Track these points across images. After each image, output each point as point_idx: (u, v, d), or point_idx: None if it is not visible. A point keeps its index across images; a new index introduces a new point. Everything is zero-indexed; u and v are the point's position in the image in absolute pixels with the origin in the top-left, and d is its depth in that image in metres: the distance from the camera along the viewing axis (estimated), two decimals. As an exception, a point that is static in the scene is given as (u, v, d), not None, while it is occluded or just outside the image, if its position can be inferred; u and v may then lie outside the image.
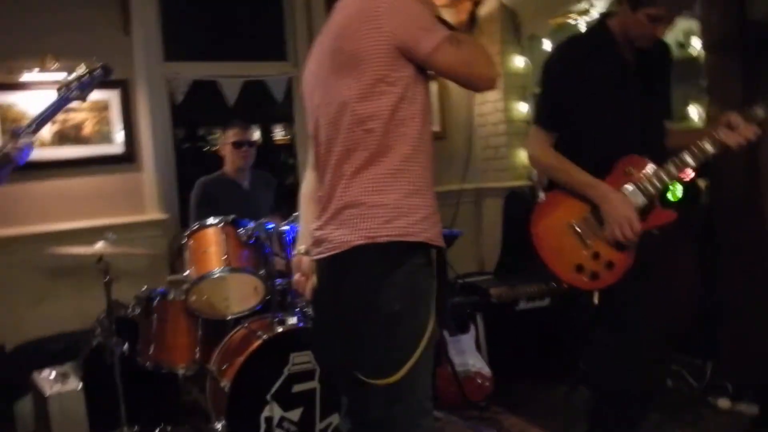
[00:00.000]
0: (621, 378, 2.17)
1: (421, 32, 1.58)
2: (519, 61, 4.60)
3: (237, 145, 3.46)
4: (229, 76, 4.28)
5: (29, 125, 2.18)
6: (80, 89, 2.27)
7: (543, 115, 2.25)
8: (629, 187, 2.11)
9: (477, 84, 1.69)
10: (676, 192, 3.32)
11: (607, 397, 2.25)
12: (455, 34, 1.61)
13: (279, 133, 5.69)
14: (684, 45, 3.42)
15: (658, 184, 2.10)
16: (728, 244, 3.18)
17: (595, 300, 2.25)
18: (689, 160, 2.07)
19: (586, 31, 2.39)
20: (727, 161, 3.16)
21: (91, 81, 2.29)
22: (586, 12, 4.03)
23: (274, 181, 3.74)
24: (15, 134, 2.16)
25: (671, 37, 3.55)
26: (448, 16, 1.75)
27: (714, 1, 3.10)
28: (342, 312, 1.65)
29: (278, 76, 4.43)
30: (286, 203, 3.45)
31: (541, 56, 4.18)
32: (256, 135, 3.52)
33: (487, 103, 4.78)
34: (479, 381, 3.35)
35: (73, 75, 2.28)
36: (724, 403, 3.01)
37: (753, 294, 3.09)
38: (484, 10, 4.65)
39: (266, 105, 4.91)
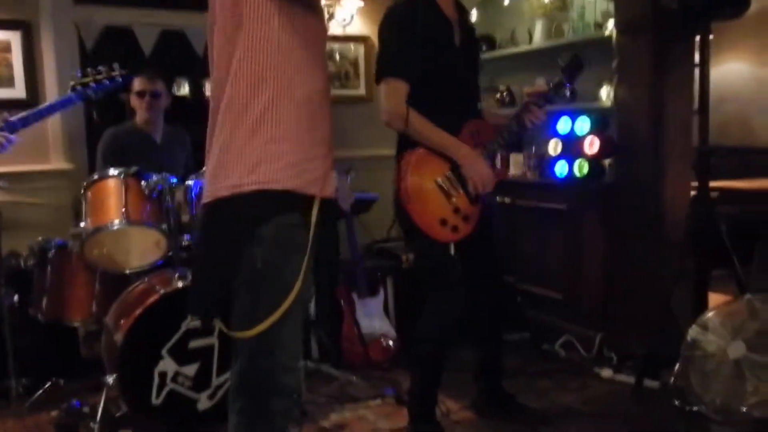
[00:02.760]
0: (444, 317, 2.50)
1: None
2: None
3: (140, 94, 3.34)
4: (145, 23, 4.12)
5: (22, 119, 2.21)
6: (95, 91, 2.33)
7: (391, 66, 2.37)
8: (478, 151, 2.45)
9: None
10: (583, 168, 3.43)
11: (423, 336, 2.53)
12: None
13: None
14: (601, 26, 3.49)
15: (497, 147, 2.51)
16: (626, 222, 3.31)
17: (452, 251, 2.44)
18: (514, 127, 2.51)
19: None
20: (632, 140, 3.28)
21: (108, 86, 2.35)
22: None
23: (189, 138, 3.63)
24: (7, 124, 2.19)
25: (588, 16, 3.64)
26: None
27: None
28: (210, 263, 1.65)
29: (199, 28, 4.28)
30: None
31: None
32: (161, 85, 3.38)
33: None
34: (384, 343, 3.40)
35: (92, 77, 2.34)
36: (606, 372, 3.16)
37: (643, 271, 3.24)
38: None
39: (191, 58, 4.75)
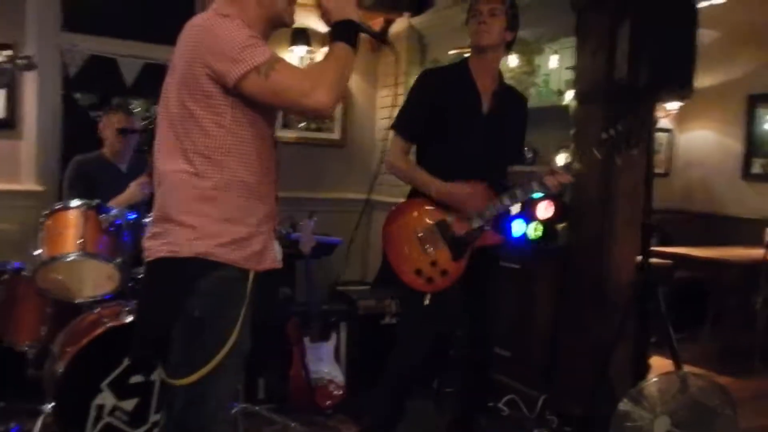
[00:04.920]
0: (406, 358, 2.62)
1: (229, 62, 1.58)
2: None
3: (122, 131, 3.40)
4: (129, 55, 4.23)
5: None
6: None
7: (399, 121, 2.61)
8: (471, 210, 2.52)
9: (296, 111, 1.74)
10: (537, 231, 3.53)
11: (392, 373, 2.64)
12: (270, 62, 1.59)
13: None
14: (562, 93, 3.63)
15: (493, 211, 2.54)
16: (575, 285, 3.40)
17: (426, 301, 2.53)
18: (519, 194, 2.55)
19: (451, 63, 2.78)
20: (583, 205, 3.40)
21: (11, 69, 2.30)
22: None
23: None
24: None
25: (552, 84, 3.79)
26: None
27: (585, 55, 3.32)
28: (150, 312, 1.74)
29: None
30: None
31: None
32: (137, 121, 3.47)
33: (389, 118, 4.89)
34: (331, 389, 3.44)
35: None
36: (544, 433, 3.23)
37: (586, 334, 3.32)
38: (395, 28, 4.78)
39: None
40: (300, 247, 3.57)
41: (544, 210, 3.48)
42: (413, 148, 2.70)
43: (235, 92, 1.62)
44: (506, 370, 3.67)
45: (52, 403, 2.57)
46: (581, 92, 3.37)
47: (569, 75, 3.67)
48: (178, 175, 1.67)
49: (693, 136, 6.08)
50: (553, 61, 3.82)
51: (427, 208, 2.56)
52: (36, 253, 2.74)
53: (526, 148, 4.27)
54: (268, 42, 1.73)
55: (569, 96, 3.49)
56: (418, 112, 2.59)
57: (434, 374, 3.51)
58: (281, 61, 1.63)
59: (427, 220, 2.54)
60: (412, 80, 4.66)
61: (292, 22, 1.80)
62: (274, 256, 1.82)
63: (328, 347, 3.59)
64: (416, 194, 2.62)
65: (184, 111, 1.65)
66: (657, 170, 5.27)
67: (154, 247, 1.70)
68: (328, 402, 3.40)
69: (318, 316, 3.59)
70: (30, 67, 2.33)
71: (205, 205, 1.66)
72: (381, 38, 1.87)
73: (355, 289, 4.15)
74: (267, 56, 1.60)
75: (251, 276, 1.73)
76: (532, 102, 3.84)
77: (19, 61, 2.32)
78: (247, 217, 1.72)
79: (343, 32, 1.70)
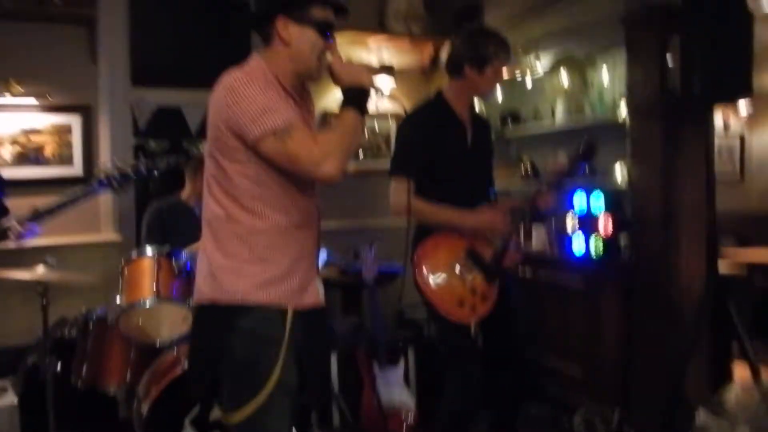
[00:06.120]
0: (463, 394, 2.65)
1: (249, 123, 1.70)
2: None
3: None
4: (192, 104, 4.47)
5: (48, 210, 2.41)
6: (119, 183, 2.51)
7: (399, 165, 2.65)
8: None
9: (307, 176, 1.78)
10: (598, 248, 3.51)
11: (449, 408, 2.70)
12: (287, 128, 1.70)
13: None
14: (617, 107, 3.60)
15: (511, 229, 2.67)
16: (642, 300, 3.35)
17: (471, 332, 2.58)
18: (526, 214, 2.71)
19: (428, 102, 2.81)
20: (645, 220, 3.36)
21: (131, 178, 2.55)
22: (531, 68, 4.23)
23: None
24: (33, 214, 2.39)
25: (607, 98, 3.77)
26: (412, 57, 1.89)
27: (637, 70, 3.30)
28: (200, 355, 1.88)
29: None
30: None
31: (484, 101, 4.40)
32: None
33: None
34: (402, 414, 3.50)
35: (118, 168, 2.56)
36: (621, 448, 3.18)
37: (659, 348, 3.26)
38: (444, 54, 4.85)
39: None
40: (363, 276, 3.67)
41: (604, 225, 3.47)
42: None
43: (252, 149, 1.74)
44: (578, 388, 3.65)
45: (141, 443, 2.74)
46: (635, 107, 3.35)
47: (622, 87, 3.64)
48: (215, 223, 1.81)
49: (766, 139, 5.88)
50: (606, 75, 3.80)
51: (451, 240, 2.62)
52: (117, 301, 2.93)
53: (525, 161, 4.39)
54: (298, 93, 1.87)
55: (624, 109, 3.47)
56: (413, 152, 2.64)
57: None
58: (298, 129, 1.73)
59: (456, 252, 2.60)
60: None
61: (320, 77, 1.90)
62: (316, 295, 1.92)
63: (397, 372, 3.65)
64: (425, 232, 2.65)
65: (215, 162, 1.80)
66: (731, 176, 5.19)
67: (198, 292, 1.85)
68: (402, 428, 3.45)
69: (385, 343, 3.66)
70: (150, 173, 2.74)
71: (239, 247, 1.78)
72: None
73: (418, 315, 4.20)
74: (285, 121, 1.71)
75: (290, 314, 1.82)
76: (588, 119, 3.86)
77: (140, 169, 2.62)
78: (281, 258, 1.82)
79: (354, 99, 1.80)
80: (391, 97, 4.80)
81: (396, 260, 4.18)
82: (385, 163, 5.09)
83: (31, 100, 3.89)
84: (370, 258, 3.69)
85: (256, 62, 1.86)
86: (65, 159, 4.04)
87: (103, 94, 4.11)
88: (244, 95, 1.72)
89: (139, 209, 4.23)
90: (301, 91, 1.93)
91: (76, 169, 4.07)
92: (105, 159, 4.10)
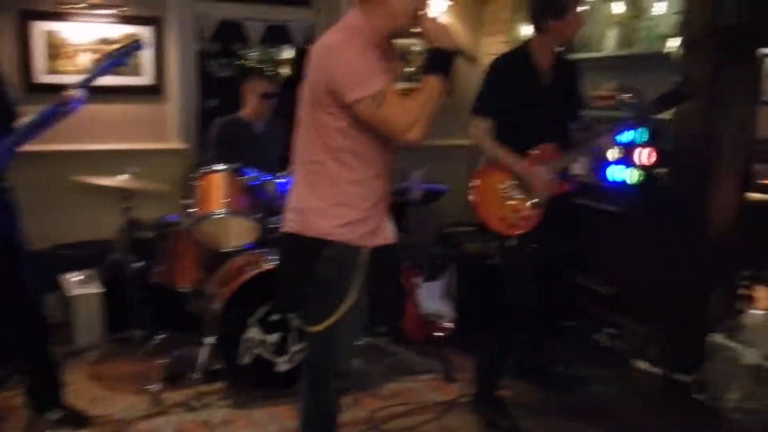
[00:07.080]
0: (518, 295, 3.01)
1: (345, 86, 1.88)
2: (526, 30, 4.82)
3: (266, 96, 3.78)
4: (254, 18, 4.62)
5: (80, 83, 2.66)
6: (120, 57, 2.75)
7: (481, 106, 2.95)
8: (542, 167, 2.94)
9: (394, 138, 1.98)
10: (637, 177, 3.67)
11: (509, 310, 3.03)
12: (383, 93, 1.87)
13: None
14: (669, 38, 3.63)
15: (564, 164, 3.02)
16: (675, 229, 3.54)
17: (513, 242, 2.96)
18: (578, 152, 3.11)
19: (512, 50, 3.11)
20: (686, 154, 3.50)
21: (128, 52, 2.76)
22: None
23: (287, 129, 4.07)
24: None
25: (660, 29, 3.80)
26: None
27: (692, 2, 3.35)
28: (288, 277, 2.20)
29: (300, 22, 4.74)
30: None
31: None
32: (277, 86, 3.86)
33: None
34: (442, 324, 3.83)
35: (115, 47, 2.78)
36: (643, 365, 3.51)
37: (687, 274, 3.48)
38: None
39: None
40: (410, 195, 3.92)
41: (647, 156, 3.61)
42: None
43: (347, 108, 1.93)
44: (609, 306, 3.91)
45: (212, 338, 3.12)
46: (686, 38, 3.41)
47: (676, 18, 3.67)
48: (308, 166, 2.06)
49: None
50: (660, 6, 3.81)
51: (500, 170, 2.95)
52: (190, 210, 3.23)
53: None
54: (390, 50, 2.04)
55: (673, 42, 3.52)
56: (495, 95, 2.93)
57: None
58: (390, 95, 1.90)
59: (504, 179, 2.95)
60: (516, 31, 4.81)
61: (409, 36, 2.06)
62: (387, 234, 2.19)
63: (438, 285, 3.95)
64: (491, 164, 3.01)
65: (311, 116, 2.01)
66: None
67: (288, 221, 2.12)
68: (441, 334, 3.80)
69: (428, 258, 3.95)
70: (139, 47, 2.82)
71: (327, 190, 2.03)
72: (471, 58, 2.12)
73: (463, 230, 4.46)
74: (382, 86, 1.89)
75: (364, 251, 2.09)
76: (636, 48, 3.90)
77: (132, 46, 2.79)
78: (361, 203, 2.07)
79: (441, 62, 1.96)
80: (446, 15, 4.86)
81: (442, 182, 4.44)
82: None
83: (108, 11, 4.09)
84: (419, 178, 3.92)
85: (354, 19, 2.00)
86: (135, 69, 4.26)
87: (172, 7, 4.28)
88: (343, 58, 1.88)
89: (202, 121, 4.48)
90: (390, 48, 2.09)
91: (146, 78, 4.30)
92: (173, 72, 4.33)
